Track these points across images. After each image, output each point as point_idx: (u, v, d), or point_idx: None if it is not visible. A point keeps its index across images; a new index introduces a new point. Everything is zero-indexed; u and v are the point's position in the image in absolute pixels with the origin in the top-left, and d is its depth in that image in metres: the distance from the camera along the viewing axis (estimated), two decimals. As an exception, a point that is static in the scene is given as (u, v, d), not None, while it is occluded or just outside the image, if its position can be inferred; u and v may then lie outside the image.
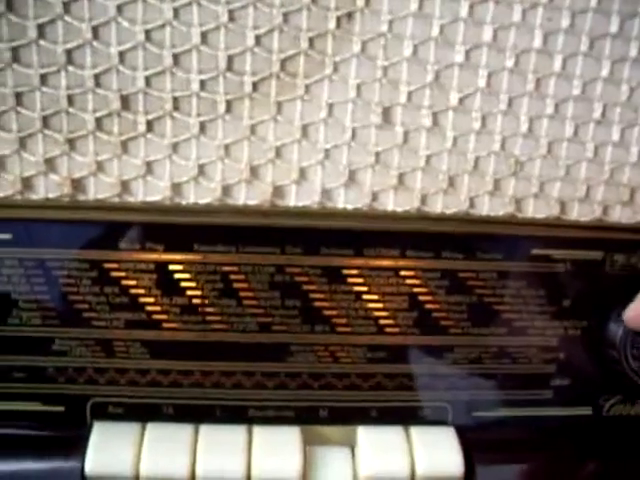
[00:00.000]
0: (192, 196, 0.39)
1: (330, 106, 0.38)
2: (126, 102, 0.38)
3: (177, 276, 0.41)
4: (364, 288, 0.41)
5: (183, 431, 0.41)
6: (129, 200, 0.39)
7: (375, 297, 0.41)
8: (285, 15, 0.37)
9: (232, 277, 0.41)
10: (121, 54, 0.37)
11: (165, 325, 0.41)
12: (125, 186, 0.39)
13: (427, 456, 0.41)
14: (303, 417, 0.43)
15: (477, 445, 0.42)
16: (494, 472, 0.42)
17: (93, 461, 0.40)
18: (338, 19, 0.37)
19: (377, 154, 0.39)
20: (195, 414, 0.42)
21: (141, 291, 0.41)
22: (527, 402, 0.44)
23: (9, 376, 0.41)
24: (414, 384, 0.43)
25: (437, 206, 0.40)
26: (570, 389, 0.44)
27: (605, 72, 0.39)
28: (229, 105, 0.38)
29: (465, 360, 0.43)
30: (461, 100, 0.39)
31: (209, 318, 0.41)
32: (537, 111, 0.39)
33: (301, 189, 0.39)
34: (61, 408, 0.42)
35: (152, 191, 0.39)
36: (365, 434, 0.42)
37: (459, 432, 0.43)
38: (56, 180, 0.38)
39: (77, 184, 0.39)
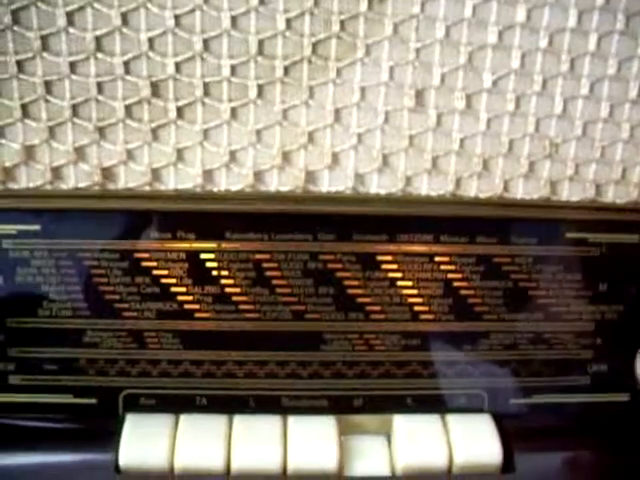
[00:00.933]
0: (224, 183, 0.39)
1: (362, 90, 0.38)
2: (156, 89, 0.37)
3: (209, 265, 0.40)
4: (398, 274, 0.41)
5: (217, 422, 0.41)
6: (160, 188, 0.39)
7: (409, 283, 0.41)
8: (316, -2, 0.36)
9: (265, 265, 0.40)
10: (150, 40, 0.36)
11: (197, 315, 0.41)
12: (156, 174, 0.38)
13: (465, 444, 0.41)
14: (337, 406, 0.42)
15: (514, 432, 0.42)
16: (533, 460, 0.41)
17: (127, 453, 0.40)
18: (370, 1, 0.36)
19: (410, 138, 0.38)
20: (228, 405, 0.42)
21: (172, 281, 0.40)
22: (564, 388, 0.43)
23: (40, 368, 0.41)
24: (449, 371, 0.42)
25: (471, 190, 0.40)
26: (607, 375, 0.43)
27: (641, 50, 0.38)
28: (260, 90, 0.37)
29: (500, 346, 0.42)
30: (495, 82, 0.38)
31: (242, 307, 0.41)
32: (572, 92, 0.39)
33: (334, 174, 0.39)
34: (93, 400, 0.41)
35: (183, 179, 0.38)
36: (401, 423, 0.42)
37: (495, 420, 0.42)
38: (86, 169, 0.38)
39: (107, 173, 0.38)
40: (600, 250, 0.42)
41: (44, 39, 0.36)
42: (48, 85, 0.37)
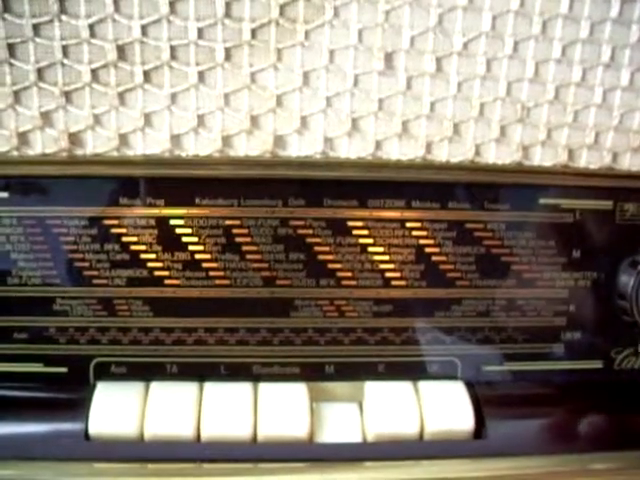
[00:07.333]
0: (192, 148, 0.38)
1: (331, 52, 0.37)
2: (122, 52, 0.37)
3: (178, 231, 0.40)
4: (369, 240, 0.40)
5: (187, 389, 0.41)
6: (128, 153, 0.38)
7: (381, 249, 0.41)
8: (283, -42, 0.36)
9: (235, 231, 0.40)
10: (116, 2, 0.36)
11: (167, 282, 0.40)
12: (123, 139, 0.38)
13: (436, 411, 0.41)
14: (309, 373, 0.42)
15: (487, 400, 0.42)
16: (504, 427, 0.41)
17: (97, 421, 0.39)
18: (338, -38, 0.36)
19: (380, 101, 0.38)
20: (199, 372, 0.41)
21: (142, 247, 0.40)
22: (537, 356, 0.43)
23: (10, 337, 0.41)
24: (422, 338, 0.42)
25: (442, 154, 0.39)
26: (581, 342, 0.43)
27: (614, 12, 0.38)
28: (228, 53, 0.37)
29: (473, 313, 0.42)
30: (465, 44, 0.38)
31: (212, 274, 0.40)
32: (543, 55, 0.38)
33: (303, 139, 0.38)
34: (64, 369, 0.41)
35: (151, 144, 0.38)
36: (373, 390, 0.42)
37: (468, 387, 0.42)
38: (53, 135, 0.38)
39: (74, 138, 0.38)
40: (573, 216, 0.42)
41: (5, 0, 0.35)
42: (11, 48, 0.36)
